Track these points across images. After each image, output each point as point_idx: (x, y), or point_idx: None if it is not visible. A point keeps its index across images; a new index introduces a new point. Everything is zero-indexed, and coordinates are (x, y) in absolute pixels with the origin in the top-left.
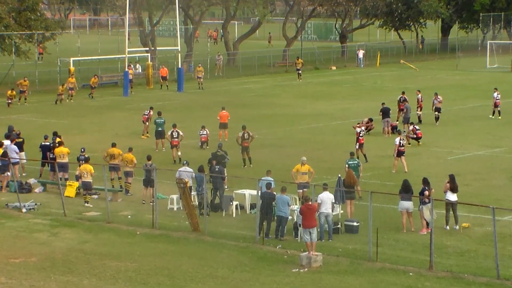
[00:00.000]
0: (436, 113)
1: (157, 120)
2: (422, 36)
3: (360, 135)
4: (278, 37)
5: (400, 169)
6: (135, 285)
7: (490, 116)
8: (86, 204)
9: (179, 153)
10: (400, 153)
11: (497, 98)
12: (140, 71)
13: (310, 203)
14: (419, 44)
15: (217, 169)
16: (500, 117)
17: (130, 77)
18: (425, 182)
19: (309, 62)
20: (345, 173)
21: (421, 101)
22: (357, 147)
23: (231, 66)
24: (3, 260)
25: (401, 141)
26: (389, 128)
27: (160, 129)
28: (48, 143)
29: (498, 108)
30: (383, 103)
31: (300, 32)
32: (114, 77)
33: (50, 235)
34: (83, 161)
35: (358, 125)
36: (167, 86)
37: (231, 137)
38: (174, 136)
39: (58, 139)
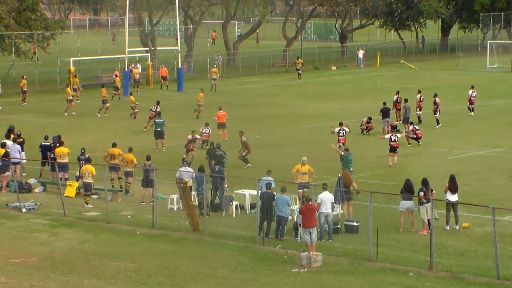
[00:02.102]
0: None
1: (156, 120)
2: (422, 36)
3: (340, 135)
4: (278, 37)
5: (400, 168)
6: (135, 285)
7: (471, 114)
8: (86, 205)
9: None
10: (392, 148)
11: (472, 95)
12: (140, 71)
13: (310, 203)
14: (419, 44)
15: (216, 169)
16: (472, 113)
17: (137, 76)
18: (424, 183)
19: (309, 62)
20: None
21: (421, 101)
22: (338, 146)
23: (231, 66)
24: (3, 260)
25: (393, 137)
26: (389, 128)
27: (159, 129)
28: (48, 144)
29: (472, 106)
30: (384, 103)
31: (300, 32)
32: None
33: (50, 235)
34: (84, 162)
35: (338, 127)
36: (167, 86)
37: (231, 136)
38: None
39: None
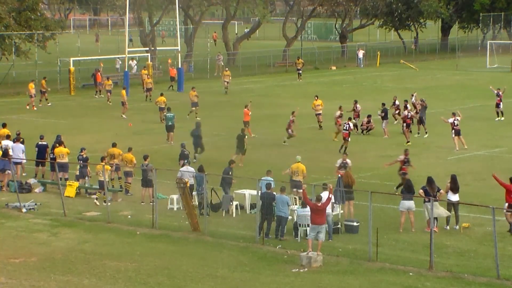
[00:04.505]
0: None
1: (166, 115)
2: (415, 37)
3: (344, 128)
4: (278, 37)
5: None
6: (135, 285)
7: (501, 119)
8: (97, 203)
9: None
10: (457, 132)
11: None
12: (135, 71)
13: (319, 204)
14: (413, 45)
15: (225, 169)
16: (501, 118)
17: (150, 86)
18: (428, 181)
19: (309, 62)
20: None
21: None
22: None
23: (231, 66)
24: (3, 260)
25: (455, 121)
26: (387, 128)
27: (170, 123)
28: (45, 143)
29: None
30: (383, 104)
31: (300, 32)
32: (114, 77)
33: (50, 235)
34: (82, 161)
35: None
36: (171, 86)
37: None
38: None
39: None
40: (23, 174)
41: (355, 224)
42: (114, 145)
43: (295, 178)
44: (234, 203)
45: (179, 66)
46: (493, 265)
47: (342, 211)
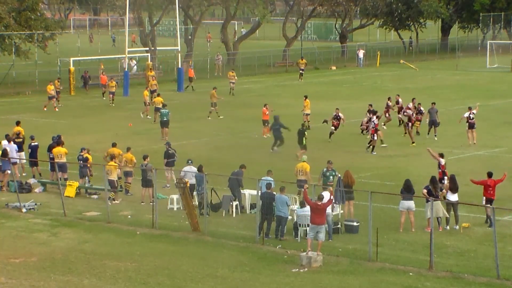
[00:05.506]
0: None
1: (162, 111)
2: (410, 37)
3: (371, 126)
4: (278, 37)
5: (400, 168)
6: (135, 285)
7: None
8: (113, 201)
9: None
10: (470, 125)
11: None
12: (135, 71)
13: (319, 203)
14: (408, 47)
15: (236, 171)
16: None
17: (155, 87)
18: (431, 181)
19: (309, 62)
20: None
21: (401, 104)
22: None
23: (231, 66)
24: (3, 260)
25: (471, 115)
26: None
27: (165, 119)
28: (36, 143)
29: None
30: (370, 105)
31: (300, 32)
32: (114, 77)
33: (50, 235)
34: (82, 161)
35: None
36: (192, 87)
37: (239, 136)
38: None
39: None
40: (23, 174)
41: (355, 224)
42: (114, 145)
43: (300, 177)
44: (234, 203)
45: (179, 66)
46: (493, 265)
47: (342, 211)
